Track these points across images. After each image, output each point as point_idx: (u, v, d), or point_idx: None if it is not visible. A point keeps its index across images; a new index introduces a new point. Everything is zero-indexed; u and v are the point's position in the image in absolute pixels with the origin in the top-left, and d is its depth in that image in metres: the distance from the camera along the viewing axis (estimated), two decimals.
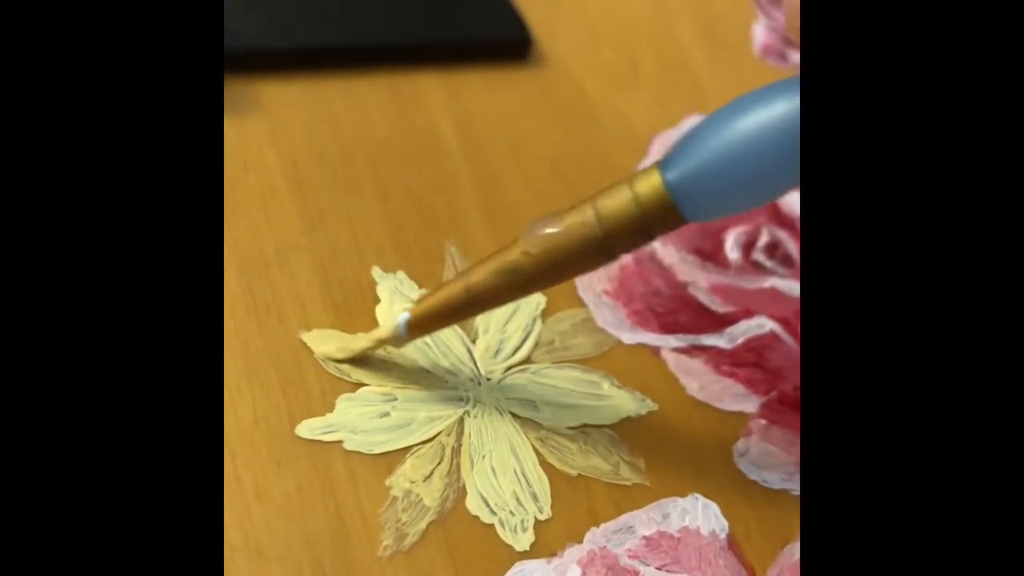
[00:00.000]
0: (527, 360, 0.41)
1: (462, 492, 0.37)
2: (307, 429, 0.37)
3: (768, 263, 0.46)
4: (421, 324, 0.38)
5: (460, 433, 0.38)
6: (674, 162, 0.36)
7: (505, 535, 0.36)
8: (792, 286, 0.45)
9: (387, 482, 0.36)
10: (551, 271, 0.37)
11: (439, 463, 0.37)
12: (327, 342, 0.39)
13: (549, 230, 0.36)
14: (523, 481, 0.38)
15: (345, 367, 0.38)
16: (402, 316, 0.38)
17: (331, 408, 0.38)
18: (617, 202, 0.36)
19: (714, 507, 0.38)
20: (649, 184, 0.36)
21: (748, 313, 0.44)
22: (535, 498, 0.37)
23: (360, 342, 0.39)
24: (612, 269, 0.44)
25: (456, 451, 0.38)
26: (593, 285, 0.43)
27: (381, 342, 0.39)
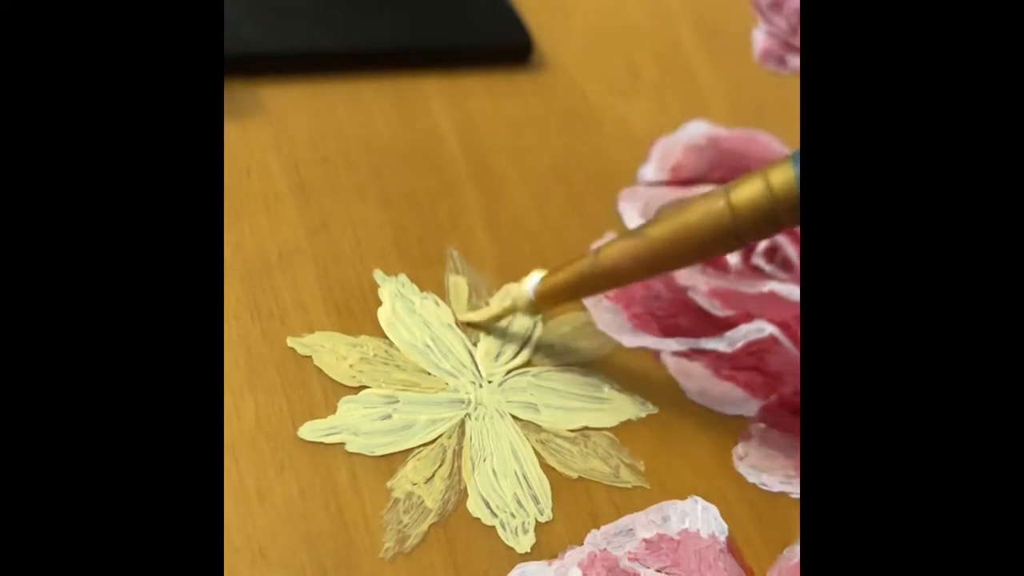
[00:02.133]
0: (528, 363, 0.41)
1: (463, 494, 0.37)
2: (309, 431, 0.37)
3: (767, 267, 0.46)
4: (548, 293, 0.40)
5: (461, 435, 0.38)
6: None
7: (506, 537, 0.36)
8: (791, 290, 0.45)
9: (389, 484, 0.37)
10: (679, 249, 0.38)
11: (440, 465, 0.37)
12: (464, 310, 0.41)
13: (679, 210, 0.38)
14: (524, 483, 0.38)
15: (355, 369, 0.39)
16: (530, 282, 0.40)
17: (333, 410, 0.38)
18: (750, 191, 0.37)
19: (714, 510, 0.38)
20: (783, 176, 0.36)
21: (748, 317, 0.44)
22: (536, 500, 0.37)
23: (491, 310, 0.41)
24: None
25: (457, 453, 0.38)
26: None
27: (512, 310, 0.40)
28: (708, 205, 0.37)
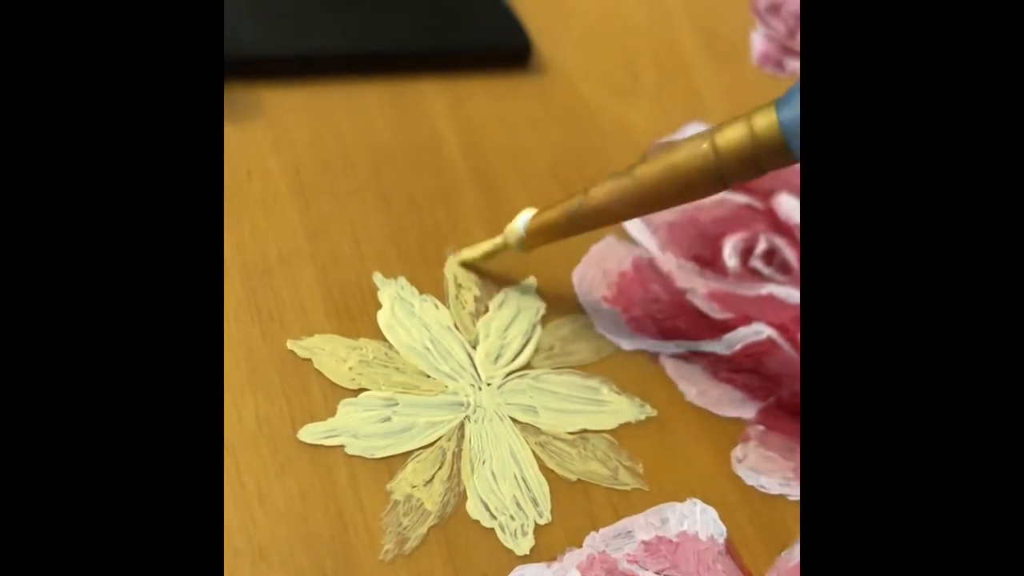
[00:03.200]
0: (527, 366, 0.41)
1: (463, 496, 0.37)
2: (309, 434, 0.37)
3: (766, 270, 0.46)
4: (538, 230, 0.41)
5: (461, 438, 0.38)
6: (790, 103, 0.37)
7: (505, 539, 0.37)
8: (789, 293, 0.45)
9: (388, 486, 0.37)
10: (665, 189, 0.39)
11: (440, 468, 0.38)
12: (466, 251, 0.42)
13: (669, 152, 0.39)
14: (523, 486, 0.38)
15: (355, 372, 0.39)
16: (521, 219, 0.41)
17: (333, 413, 0.38)
18: (734, 134, 0.38)
19: (712, 512, 0.38)
20: (765, 120, 0.37)
21: (746, 320, 0.44)
22: (535, 503, 0.38)
23: (484, 246, 0.42)
24: (612, 275, 0.44)
25: (457, 456, 0.38)
26: (593, 291, 0.44)
27: (503, 247, 0.42)
28: (694, 146, 0.38)
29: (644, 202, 0.40)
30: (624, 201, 0.40)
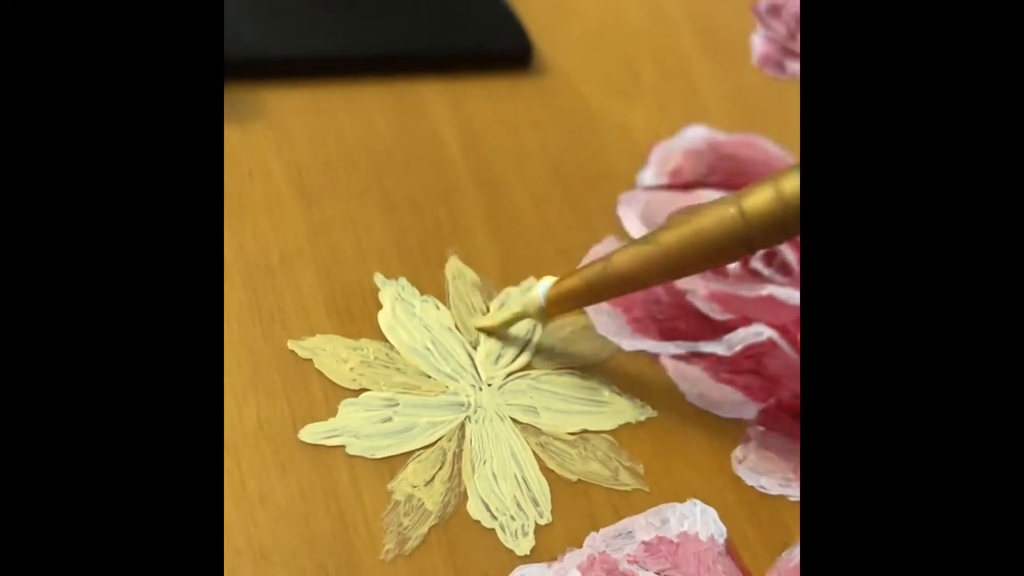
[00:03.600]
0: (528, 366, 0.41)
1: (463, 497, 0.37)
2: (310, 434, 0.37)
3: (766, 271, 0.46)
4: (559, 299, 0.40)
5: (461, 438, 0.39)
6: None
7: (506, 539, 0.37)
8: (790, 294, 0.45)
9: (389, 486, 0.37)
10: (691, 256, 0.38)
11: (440, 468, 0.38)
12: (483, 320, 0.42)
13: (689, 217, 0.38)
14: (524, 486, 0.38)
15: (356, 372, 0.39)
16: (541, 288, 0.40)
17: (334, 413, 0.38)
18: (761, 199, 0.37)
19: (712, 512, 0.38)
20: (793, 183, 0.37)
21: (746, 321, 0.44)
22: (535, 503, 0.38)
23: (502, 315, 0.41)
24: None
25: (457, 456, 0.38)
26: None
27: (522, 315, 0.41)
28: (720, 212, 0.38)
29: (669, 270, 0.39)
30: (648, 269, 0.39)
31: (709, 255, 0.38)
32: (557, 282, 0.40)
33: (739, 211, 0.37)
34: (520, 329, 0.42)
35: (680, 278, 0.40)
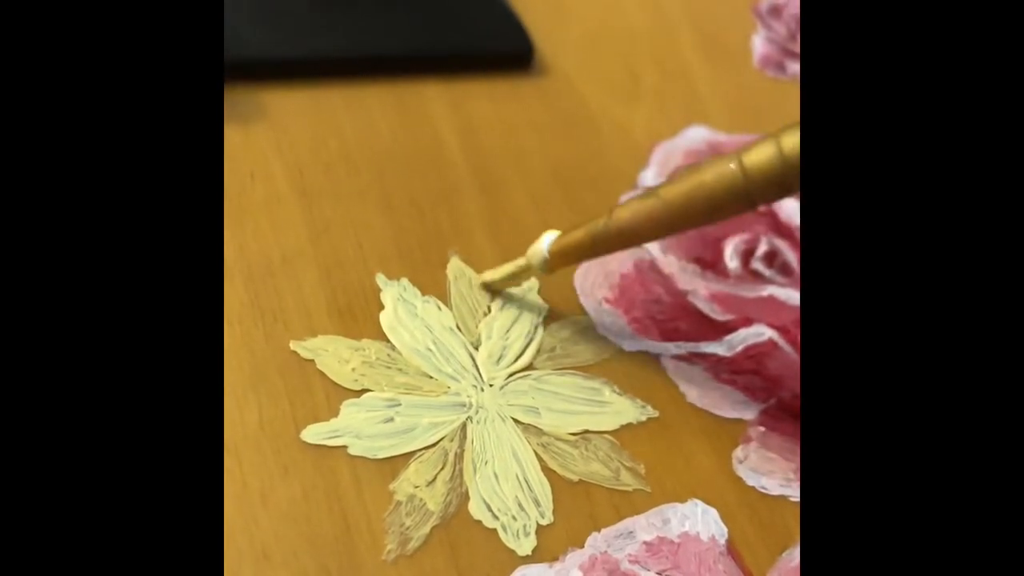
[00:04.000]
0: (529, 367, 0.41)
1: (465, 497, 0.37)
2: (312, 434, 0.37)
3: (767, 272, 0.46)
4: (562, 252, 0.41)
5: (463, 439, 0.39)
6: None
7: (507, 540, 0.37)
8: (790, 294, 0.46)
9: (391, 487, 0.37)
10: (692, 209, 0.39)
11: (442, 468, 0.38)
12: (488, 273, 0.42)
13: (695, 172, 0.39)
14: (525, 486, 0.38)
15: (357, 371, 0.39)
16: (545, 241, 0.41)
17: (336, 414, 0.38)
18: (762, 154, 0.38)
19: (713, 513, 0.39)
20: (794, 140, 0.37)
21: (747, 321, 0.44)
22: (537, 503, 0.38)
23: (506, 268, 0.42)
24: (613, 277, 0.44)
25: (459, 456, 0.38)
26: (594, 292, 0.44)
27: (527, 268, 0.41)
28: (721, 167, 0.38)
29: (671, 222, 0.39)
30: (650, 222, 0.39)
31: (710, 209, 0.39)
32: (561, 235, 0.41)
33: (740, 167, 0.38)
34: (522, 329, 0.42)
35: (682, 231, 0.41)
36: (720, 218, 0.40)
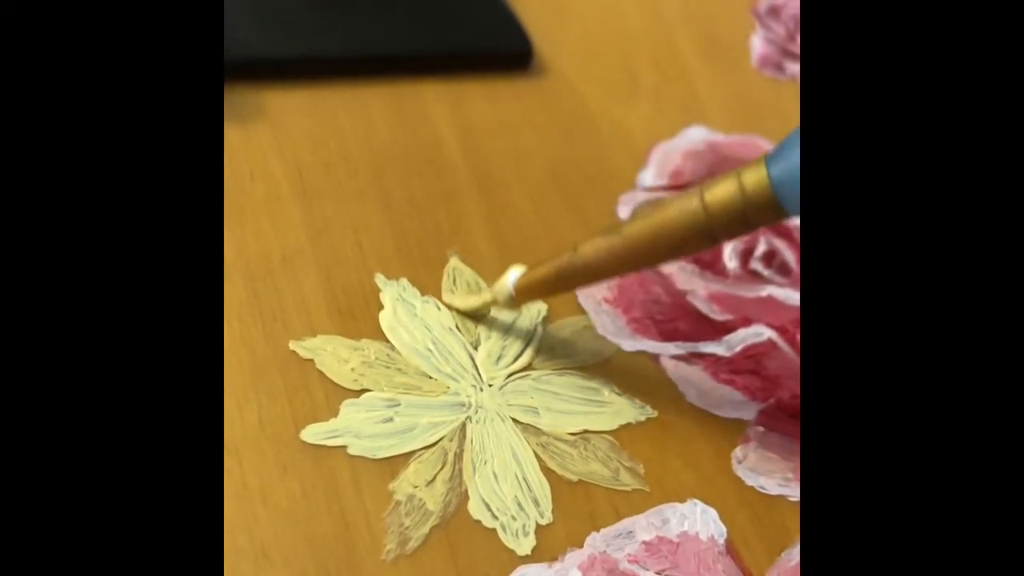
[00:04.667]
0: (528, 367, 0.41)
1: (464, 497, 0.37)
2: (312, 434, 0.37)
3: (766, 272, 0.46)
4: (527, 288, 0.41)
5: (462, 438, 0.39)
6: (781, 158, 0.37)
7: (507, 539, 0.37)
8: (789, 294, 0.46)
9: (390, 486, 0.37)
10: (655, 247, 0.39)
11: (442, 468, 0.38)
12: (455, 300, 0.42)
13: (654, 210, 0.38)
14: (524, 486, 0.38)
15: (357, 372, 0.39)
16: (511, 277, 0.40)
17: (335, 413, 0.38)
18: (723, 191, 0.37)
19: (713, 512, 0.39)
20: (755, 177, 0.37)
21: (746, 321, 0.44)
22: (536, 503, 0.38)
23: (472, 301, 0.42)
24: None
25: (458, 456, 0.38)
26: (593, 293, 0.44)
27: (492, 303, 0.41)
28: (683, 204, 0.38)
29: (634, 260, 0.39)
30: (614, 259, 0.39)
31: (673, 247, 0.39)
32: (526, 272, 0.41)
33: (702, 204, 0.38)
34: (521, 329, 0.42)
35: (646, 268, 0.41)
36: (683, 255, 0.40)
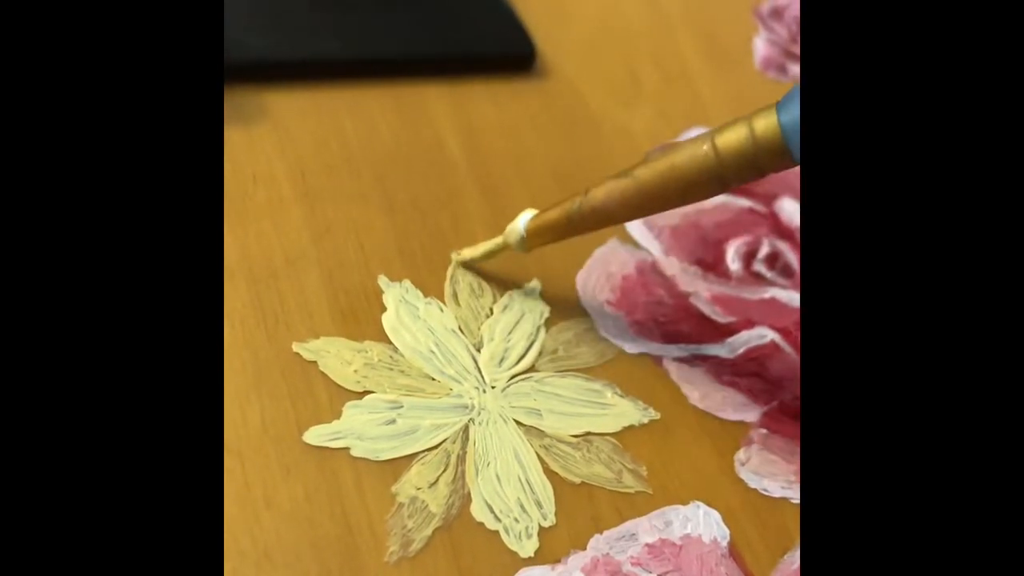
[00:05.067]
0: (531, 369, 0.41)
1: (467, 499, 0.37)
2: (315, 436, 0.37)
3: (768, 274, 0.47)
4: (538, 231, 0.41)
5: (465, 440, 0.39)
6: (791, 104, 0.37)
7: (510, 542, 0.37)
8: (792, 296, 0.46)
9: (393, 489, 0.37)
10: (666, 190, 0.39)
11: (444, 470, 0.38)
12: (466, 250, 0.43)
13: (668, 153, 0.39)
14: (527, 488, 0.38)
15: (360, 375, 0.39)
16: (522, 220, 0.41)
17: (338, 415, 0.38)
18: (735, 136, 0.38)
19: (715, 515, 0.39)
20: (766, 123, 0.37)
21: (749, 323, 0.44)
22: (539, 505, 0.38)
23: (485, 245, 0.42)
24: (615, 279, 0.44)
25: (461, 458, 0.38)
26: (596, 295, 0.44)
27: (504, 247, 0.42)
28: (694, 148, 0.39)
29: (644, 203, 0.40)
30: (624, 202, 0.40)
31: (684, 190, 0.39)
32: (537, 215, 0.41)
33: (713, 148, 0.38)
34: (524, 331, 0.42)
35: (656, 212, 0.41)
36: (693, 199, 0.40)
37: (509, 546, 0.37)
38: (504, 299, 0.43)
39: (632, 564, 0.37)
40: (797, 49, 0.56)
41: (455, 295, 0.42)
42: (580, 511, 0.38)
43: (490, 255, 0.42)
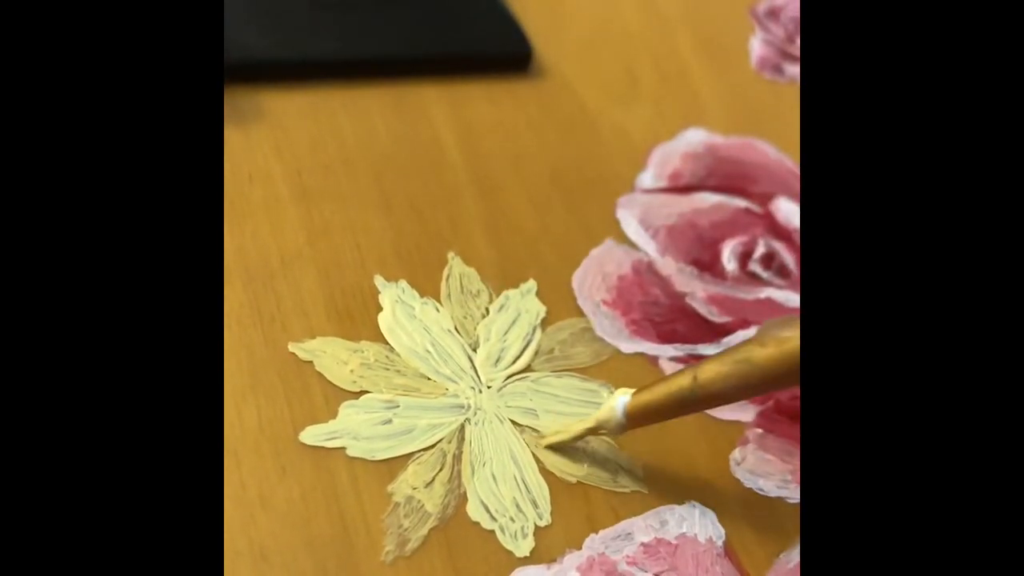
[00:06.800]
0: (527, 368, 0.41)
1: (463, 498, 0.37)
2: (311, 436, 0.37)
3: (764, 274, 0.47)
4: (640, 414, 0.38)
5: (461, 440, 0.39)
6: None
7: (505, 541, 0.37)
8: (788, 296, 0.46)
9: (389, 488, 0.37)
10: (787, 373, 0.36)
11: (440, 470, 0.38)
12: (550, 436, 0.39)
13: (787, 332, 0.36)
14: (523, 488, 0.38)
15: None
16: (619, 402, 0.38)
17: (334, 415, 0.38)
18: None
19: (711, 514, 0.39)
20: None
21: (745, 323, 0.44)
22: (535, 505, 0.38)
23: (574, 429, 0.39)
24: (611, 279, 0.44)
25: (457, 458, 0.38)
26: (592, 295, 0.44)
27: (597, 429, 0.38)
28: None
29: (767, 389, 0.38)
30: (743, 387, 0.37)
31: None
32: (637, 394, 0.38)
33: None
34: (520, 331, 0.42)
35: (775, 390, 0.39)
36: None
37: (505, 545, 0.37)
38: (500, 299, 0.43)
39: (628, 563, 0.37)
40: (794, 49, 0.56)
41: (451, 295, 0.42)
42: (576, 511, 0.38)
43: (578, 439, 0.39)
